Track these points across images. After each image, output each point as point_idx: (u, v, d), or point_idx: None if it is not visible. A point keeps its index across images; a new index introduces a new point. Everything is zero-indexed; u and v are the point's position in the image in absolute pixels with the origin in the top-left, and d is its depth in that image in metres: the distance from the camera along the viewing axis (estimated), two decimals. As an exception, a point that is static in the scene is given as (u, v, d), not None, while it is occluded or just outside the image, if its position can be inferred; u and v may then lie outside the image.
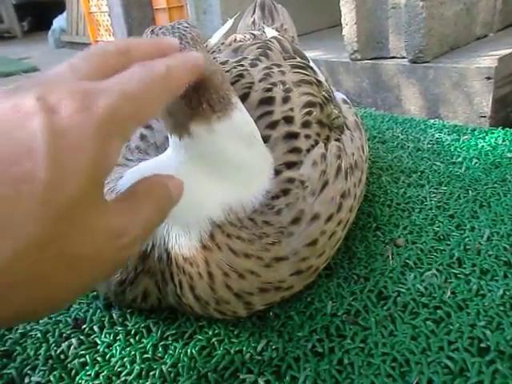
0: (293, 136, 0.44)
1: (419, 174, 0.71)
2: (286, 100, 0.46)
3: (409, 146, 0.81)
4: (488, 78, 0.90)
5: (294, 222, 0.41)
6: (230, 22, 0.78)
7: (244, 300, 0.41)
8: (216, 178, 0.39)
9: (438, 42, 0.99)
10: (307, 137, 0.45)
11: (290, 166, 0.43)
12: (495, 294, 0.45)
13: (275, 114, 0.44)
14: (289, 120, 0.44)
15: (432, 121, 0.92)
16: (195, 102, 0.35)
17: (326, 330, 0.43)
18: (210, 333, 0.44)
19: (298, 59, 0.55)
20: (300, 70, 0.51)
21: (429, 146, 0.81)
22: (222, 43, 0.68)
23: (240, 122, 0.38)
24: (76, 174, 0.21)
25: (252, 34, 0.71)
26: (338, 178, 0.46)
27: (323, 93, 0.51)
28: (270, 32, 0.73)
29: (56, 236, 0.21)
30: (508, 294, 0.45)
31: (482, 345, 0.39)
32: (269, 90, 0.46)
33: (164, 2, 1.95)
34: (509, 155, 0.74)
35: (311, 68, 0.56)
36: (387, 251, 0.53)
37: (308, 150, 0.44)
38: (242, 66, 0.50)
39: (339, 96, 0.65)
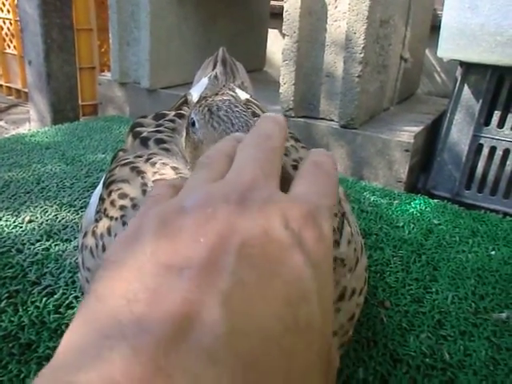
0: None
1: (375, 236, 0.80)
2: None
3: (354, 208, 0.91)
4: (406, 151, 1.07)
5: (340, 299, 0.45)
6: (205, 80, 0.79)
7: None
8: None
9: (364, 112, 1.14)
10: (336, 215, 0.49)
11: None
12: (479, 353, 0.54)
13: None
14: None
15: (364, 183, 1.05)
16: None
17: (367, 397, 0.47)
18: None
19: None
20: (301, 144, 0.55)
21: (370, 208, 0.92)
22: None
23: None
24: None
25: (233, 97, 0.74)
26: (363, 254, 0.51)
27: None
28: (242, 94, 0.76)
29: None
30: (489, 353, 0.55)
31: (495, 403, 0.48)
32: (295, 167, 0.50)
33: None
34: (435, 222, 0.88)
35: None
36: (380, 314, 0.60)
37: (338, 229, 0.49)
38: None
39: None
